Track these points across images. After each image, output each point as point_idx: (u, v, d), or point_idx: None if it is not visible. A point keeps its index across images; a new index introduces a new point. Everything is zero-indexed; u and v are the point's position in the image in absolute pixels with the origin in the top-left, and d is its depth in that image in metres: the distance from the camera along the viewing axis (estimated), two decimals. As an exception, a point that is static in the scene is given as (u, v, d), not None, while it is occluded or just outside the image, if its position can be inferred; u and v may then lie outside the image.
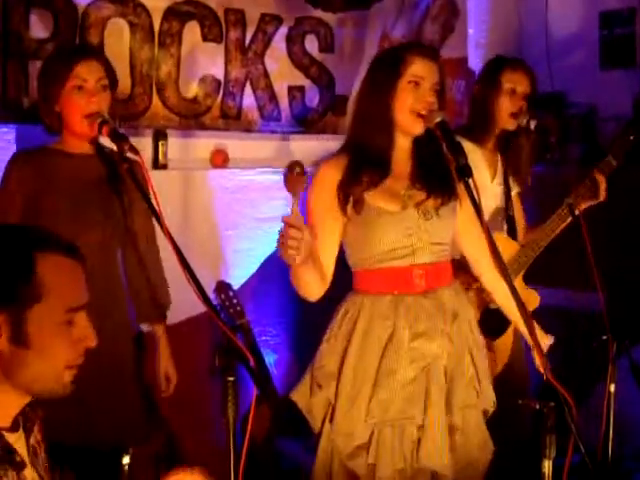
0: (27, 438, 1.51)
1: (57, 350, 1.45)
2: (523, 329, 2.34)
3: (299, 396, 2.38)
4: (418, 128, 2.25)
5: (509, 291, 1.99)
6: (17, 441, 1.48)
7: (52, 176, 2.48)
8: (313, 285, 2.23)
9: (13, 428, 1.48)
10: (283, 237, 1.95)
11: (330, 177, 2.27)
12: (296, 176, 1.89)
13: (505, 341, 3.01)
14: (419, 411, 2.26)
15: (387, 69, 2.27)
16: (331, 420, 2.29)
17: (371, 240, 2.26)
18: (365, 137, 2.28)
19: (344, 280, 2.34)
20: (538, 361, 2.35)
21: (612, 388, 2.45)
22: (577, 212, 2.84)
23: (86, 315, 1.50)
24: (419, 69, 2.24)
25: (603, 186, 2.82)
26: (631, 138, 2.85)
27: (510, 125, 2.98)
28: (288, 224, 1.94)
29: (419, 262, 2.28)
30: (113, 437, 2.45)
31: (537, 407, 1.77)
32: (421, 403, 2.26)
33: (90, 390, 2.28)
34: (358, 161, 2.25)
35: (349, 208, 2.26)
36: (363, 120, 2.30)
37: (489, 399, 2.41)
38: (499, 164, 3.08)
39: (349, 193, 2.25)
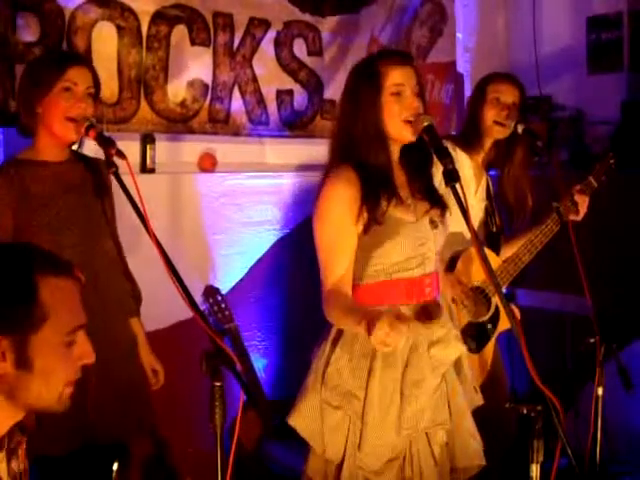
0: (9, 461, 1.51)
1: (59, 371, 1.47)
2: None
3: (303, 420, 2.30)
4: (408, 135, 2.25)
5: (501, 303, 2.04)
6: (0, 461, 1.48)
7: (32, 189, 2.45)
8: None
9: None
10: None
11: (348, 193, 2.22)
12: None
13: (486, 351, 3.02)
14: (447, 416, 2.31)
15: (366, 86, 2.25)
16: (357, 439, 2.24)
17: (390, 251, 2.24)
18: (363, 155, 2.25)
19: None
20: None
21: (600, 391, 2.45)
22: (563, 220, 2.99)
23: (85, 333, 1.51)
24: (396, 78, 2.24)
25: (584, 205, 2.98)
26: (611, 162, 3.07)
27: (497, 133, 3.04)
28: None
29: (428, 272, 2.30)
30: (109, 438, 2.46)
31: (524, 411, 1.77)
32: (446, 408, 2.31)
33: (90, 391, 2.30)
34: (367, 176, 2.23)
35: (372, 222, 2.22)
36: (356, 140, 2.26)
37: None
38: (483, 179, 3.13)
39: (375, 207, 2.21)
